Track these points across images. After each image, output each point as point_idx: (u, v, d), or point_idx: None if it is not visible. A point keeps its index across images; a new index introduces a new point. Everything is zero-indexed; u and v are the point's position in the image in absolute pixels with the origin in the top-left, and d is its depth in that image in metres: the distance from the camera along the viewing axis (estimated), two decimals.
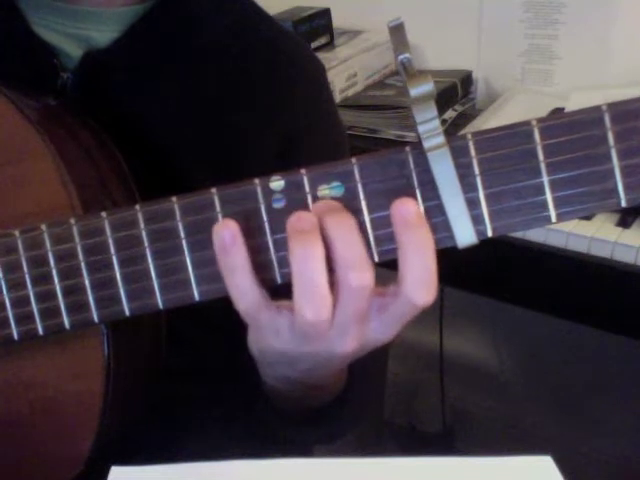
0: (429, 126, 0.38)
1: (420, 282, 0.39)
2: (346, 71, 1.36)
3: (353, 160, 0.40)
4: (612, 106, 0.37)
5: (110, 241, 0.43)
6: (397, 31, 0.38)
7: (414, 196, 0.39)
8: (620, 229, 0.98)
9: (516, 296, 1.09)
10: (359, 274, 0.38)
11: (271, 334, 0.42)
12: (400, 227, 0.38)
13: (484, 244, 0.39)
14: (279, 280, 0.41)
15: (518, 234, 1.02)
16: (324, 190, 0.40)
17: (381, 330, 0.42)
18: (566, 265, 1.00)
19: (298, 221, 0.39)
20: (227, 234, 0.39)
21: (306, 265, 0.38)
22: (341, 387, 0.56)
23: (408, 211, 0.38)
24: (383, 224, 0.40)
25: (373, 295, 0.40)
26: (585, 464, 1.38)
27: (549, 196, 0.38)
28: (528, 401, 1.58)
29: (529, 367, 1.60)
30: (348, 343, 0.41)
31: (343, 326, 0.40)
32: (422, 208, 0.39)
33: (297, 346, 0.42)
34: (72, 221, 0.43)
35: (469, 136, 0.38)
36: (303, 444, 0.65)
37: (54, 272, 0.44)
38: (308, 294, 0.39)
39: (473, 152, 0.38)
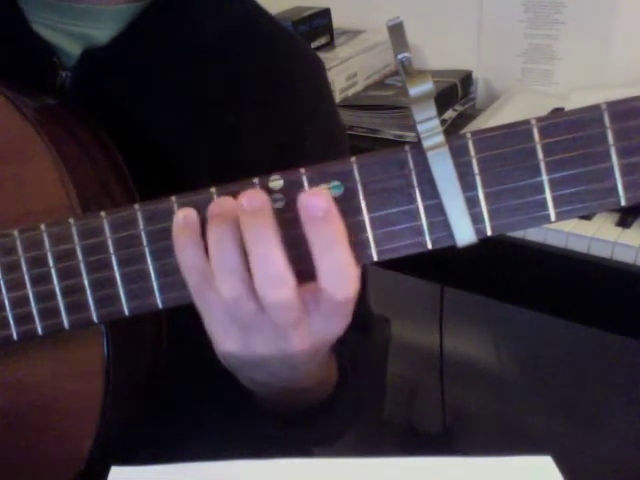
0: (428, 125, 0.38)
1: (333, 277, 0.38)
2: (346, 71, 1.36)
3: (352, 159, 0.40)
4: (611, 105, 0.37)
5: (109, 241, 0.43)
6: (396, 30, 0.38)
7: (414, 195, 0.39)
8: (620, 229, 0.98)
9: (516, 296, 1.09)
10: (277, 290, 0.38)
11: (219, 330, 0.43)
12: (306, 221, 0.38)
13: (484, 244, 0.39)
14: None
15: (518, 234, 1.02)
16: (323, 190, 0.40)
17: (325, 326, 0.42)
18: (566, 265, 1.00)
19: (216, 206, 0.40)
20: (179, 217, 0.40)
21: (219, 245, 0.39)
22: (331, 387, 0.56)
23: (315, 205, 0.38)
24: (382, 223, 0.40)
25: (304, 294, 0.40)
26: (585, 464, 1.38)
27: (548, 195, 0.38)
28: (528, 401, 1.58)
29: (529, 367, 1.60)
30: (295, 343, 0.42)
31: (282, 330, 0.41)
32: (421, 207, 0.39)
33: (243, 342, 0.42)
34: (71, 221, 0.43)
35: (468, 135, 0.38)
36: (299, 445, 0.65)
37: (53, 272, 0.44)
38: (222, 272, 0.39)
39: (472, 151, 0.38)
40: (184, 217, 0.40)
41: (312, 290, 0.40)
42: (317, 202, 0.38)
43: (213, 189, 0.41)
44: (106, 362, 0.48)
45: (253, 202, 0.39)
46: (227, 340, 0.43)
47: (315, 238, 0.38)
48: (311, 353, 0.43)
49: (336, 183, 0.40)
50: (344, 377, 0.57)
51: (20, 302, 0.45)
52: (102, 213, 0.43)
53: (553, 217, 0.38)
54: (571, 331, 1.25)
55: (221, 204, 0.39)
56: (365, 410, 0.65)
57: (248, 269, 0.39)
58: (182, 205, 0.42)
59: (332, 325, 0.42)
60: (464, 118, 1.29)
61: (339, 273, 0.38)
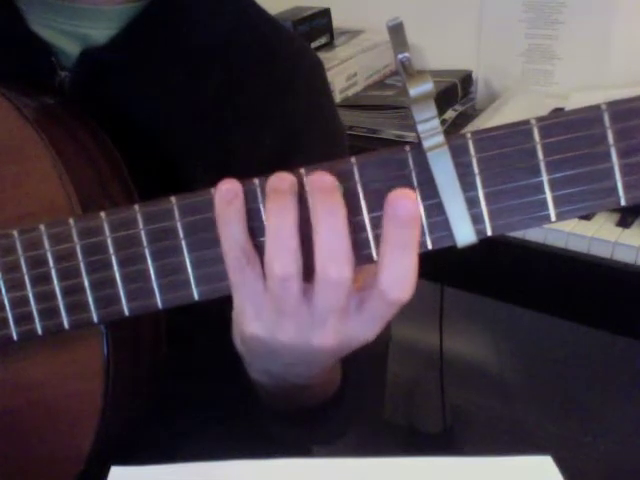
0: (428, 125, 0.38)
1: (397, 279, 0.38)
2: (346, 71, 1.36)
3: (352, 159, 0.40)
4: (611, 105, 0.37)
5: (109, 241, 0.43)
6: (396, 31, 0.38)
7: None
8: (620, 229, 0.98)
9: (516, 296, 1.09)
10: (339, 267, 0.38)
11: (251, 311, 0.42)
12: (391, 222, 0.38)
13: (484, 244, 0.39)
14: None
15: (518, 234, 1.02)
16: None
17: (360, 328, 0.41)
18: (566, 265, 1.00)
19: (278, 181, 0.39)
20: (226, 188, 0.40)
21: (279, 220, 0.38)
22: (335, 388, 0.56)
23: (405, 208, 0.38)
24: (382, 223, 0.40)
25: (353, 290, 0.40)
26: (585, 464, 1.38)
27: (549, 195, 0.38)
28: (528, 401, 1.58)
29: (529, 367, 1.60)
30: (326, 337, 0.41)
31: (322, 317, 0.40)
32: (421, 207, 0.39)
33: (274, 327, 0.42)
34: (71, 221, 0.43)
35: (468, 135, 0.38)
36: (300, 444, 0.65)
37: (53, 272, 0.44)
38: (278, 248, 0.39)
39: (473, 151, 0.38)
40: (230, 190, 0.40)
41: (362, 287, 0.40)
42: (408, 205, 0.37)
43: (213, 190, 0.41)
44: (106, 362, 0.48)
45: (323, 179, 0.39)
46: (257, 323, 0.42)
47: (394, 239, 0.38)
48: (335, 352, 0.43)
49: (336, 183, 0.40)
50: (346, 379, 0.57)
51: (20, 302, 0.45)
52: (102, 213, 0.43)
53: (553, 217, 0.38)
54: (571, 331, 1.25)
55: (283, 179, 0.39)
56: (365, 410, 0.65)
57: (301, 249, 0.39)
58: (182, 205, 0.42)
59: (369, 329, 0.41)
60: (464, 118, 1.29)
61: (405, 276, 0.38)
